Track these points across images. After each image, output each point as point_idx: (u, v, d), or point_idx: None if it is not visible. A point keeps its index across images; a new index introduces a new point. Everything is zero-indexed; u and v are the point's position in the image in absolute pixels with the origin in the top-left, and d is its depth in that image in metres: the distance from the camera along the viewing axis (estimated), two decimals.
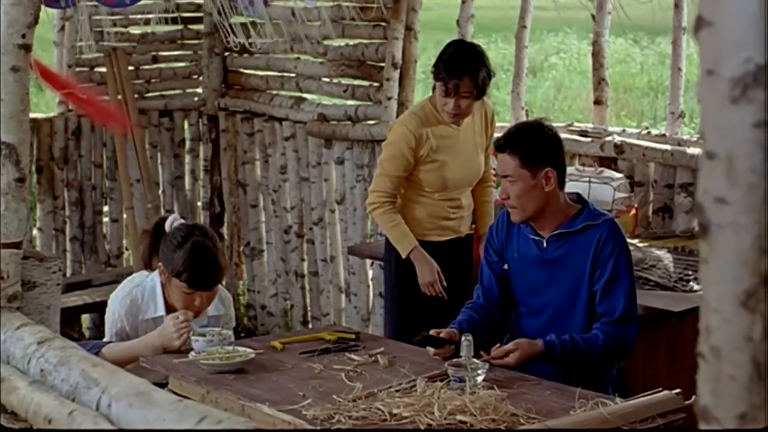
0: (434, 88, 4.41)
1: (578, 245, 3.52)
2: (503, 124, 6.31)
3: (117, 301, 3.79)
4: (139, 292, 3.78)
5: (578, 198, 3.64)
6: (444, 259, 4.43)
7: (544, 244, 3.57)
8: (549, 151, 3.54)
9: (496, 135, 3.68)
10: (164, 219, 3.88)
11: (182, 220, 3.87)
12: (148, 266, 3.87)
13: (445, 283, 4.38)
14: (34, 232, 6.72)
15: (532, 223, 3.58)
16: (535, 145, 3.51)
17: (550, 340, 3.43)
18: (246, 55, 6.95)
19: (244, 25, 6.26)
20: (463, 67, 4.25)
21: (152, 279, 3.79)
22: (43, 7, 3.44)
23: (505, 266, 3.68)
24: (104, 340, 3.82)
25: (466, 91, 4.27)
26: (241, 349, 3.52)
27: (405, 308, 4.51)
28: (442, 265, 4.42)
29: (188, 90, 7.38)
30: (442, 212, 4.50)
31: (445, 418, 2.90)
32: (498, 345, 3.43)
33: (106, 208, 7.04)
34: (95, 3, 5.87)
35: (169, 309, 3.75)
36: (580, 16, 5.49)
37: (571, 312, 3.54)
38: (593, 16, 5.67)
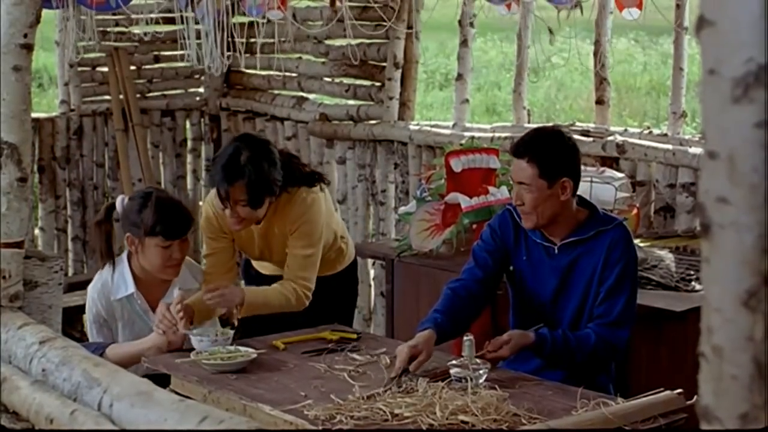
0: None
1: (589, 250, 3.47)
2: (505, 123, 6.33)
3: (90, 287, 3.93)
4: (109, 274, 3.89)
5: (580, 200, 3.57)
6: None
7: (555, 251, 3.52)
8: (567, 162, 3.46)
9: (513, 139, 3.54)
10: (112, 205, 3.99)
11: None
12: (108, 256, 3.92)
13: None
14: (36, 231, 6.73)
15: (543, 229, 3.52)
16: (554, 156, 3.43)
17: (542, 332, 3.41)
18: (248, 54, 6.95)
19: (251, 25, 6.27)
20: (235, 174, 3.72)
21: (120, 259, 3.90)
22: None
23: (511, 268, 3.64)
24: (104, 341, 3.83)
25: (239, 199, 3.74)
26: (243, 348, 3.52)
27: None
28: None
29: (190, 90, 7.38)
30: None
31: (446, 419, 2.90)
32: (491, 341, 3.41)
33: None
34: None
35: (139, 285, 3.84)
36: (581, 16, 5.47)
37: (582, 316, 3.51)
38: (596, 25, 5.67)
